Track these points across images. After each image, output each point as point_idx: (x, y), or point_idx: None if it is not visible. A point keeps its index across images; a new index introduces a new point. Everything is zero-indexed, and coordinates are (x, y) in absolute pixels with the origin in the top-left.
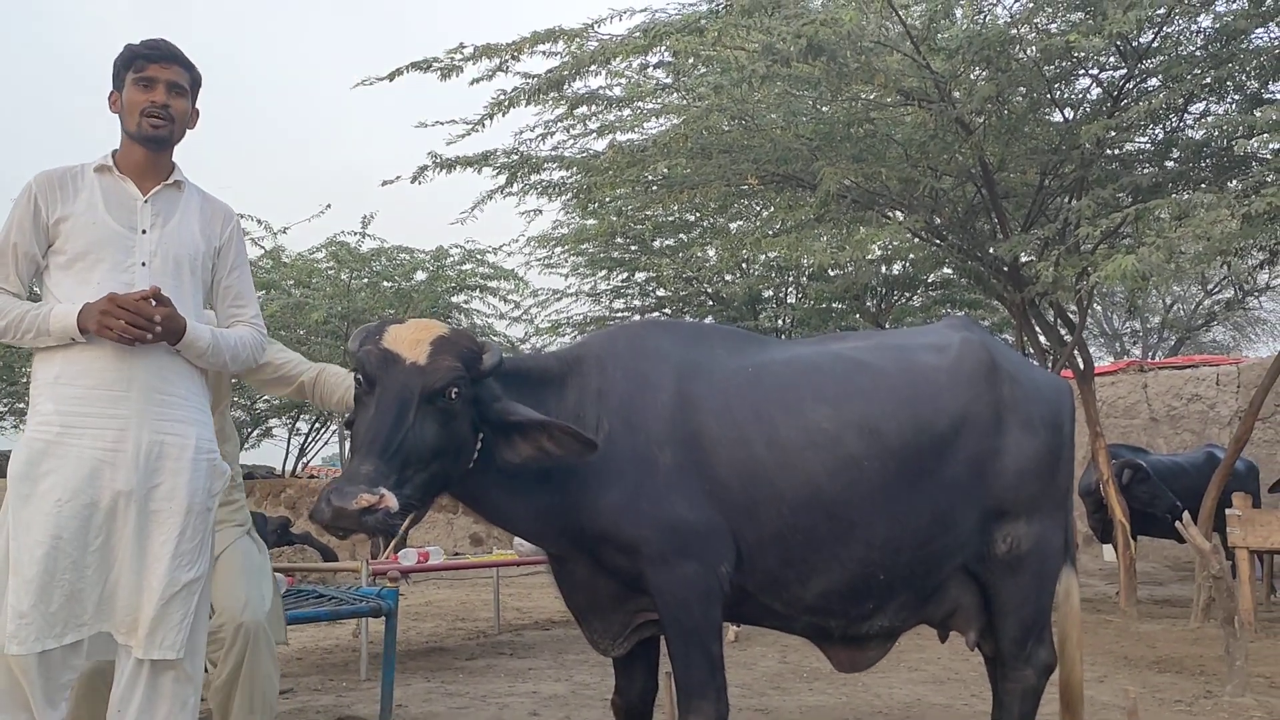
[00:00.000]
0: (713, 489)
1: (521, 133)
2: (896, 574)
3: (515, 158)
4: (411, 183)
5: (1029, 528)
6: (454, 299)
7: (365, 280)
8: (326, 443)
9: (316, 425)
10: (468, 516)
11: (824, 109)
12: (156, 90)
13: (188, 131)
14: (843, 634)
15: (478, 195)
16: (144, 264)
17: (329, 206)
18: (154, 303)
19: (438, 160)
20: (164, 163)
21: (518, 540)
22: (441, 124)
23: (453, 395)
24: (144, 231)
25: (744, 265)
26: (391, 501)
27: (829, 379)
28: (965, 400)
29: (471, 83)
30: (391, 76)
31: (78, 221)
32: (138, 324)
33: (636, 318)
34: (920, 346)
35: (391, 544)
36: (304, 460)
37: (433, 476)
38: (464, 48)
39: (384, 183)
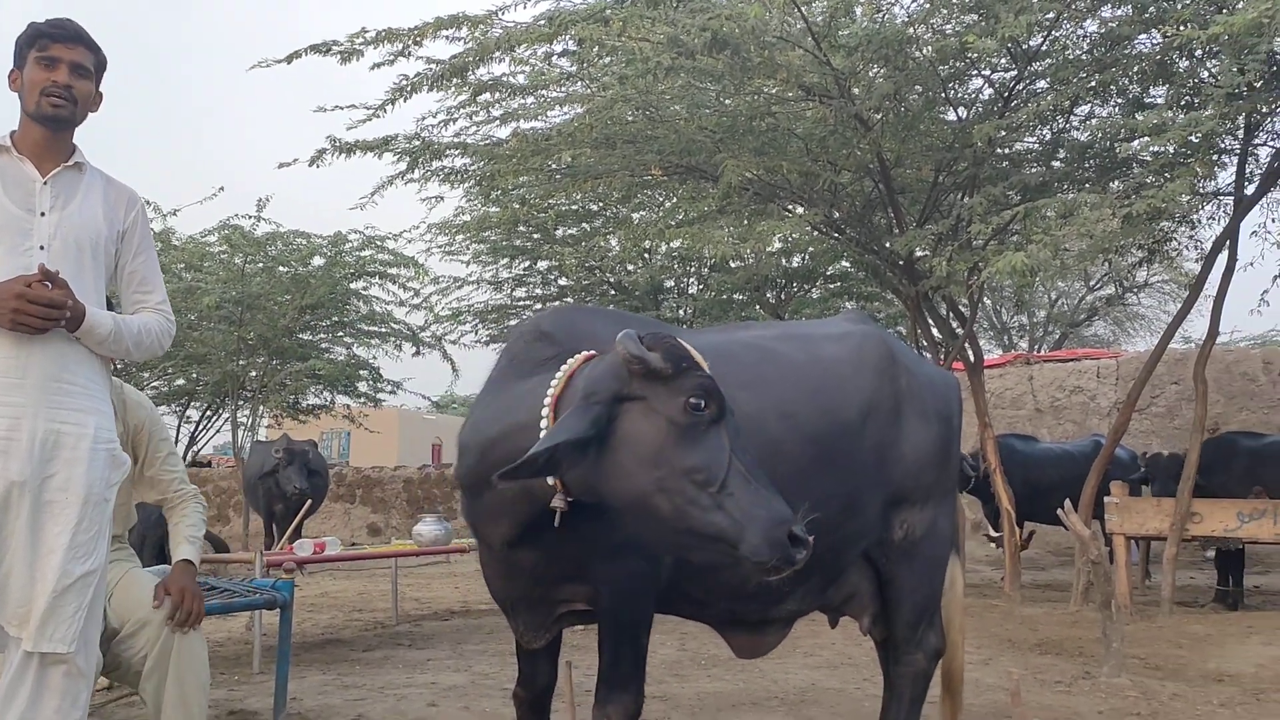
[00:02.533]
0: None
1: (424, 118)
2: (811, 559)
3: (417, 143)
4: (309, 166)
5: (923, 515)
6: (352, 285)
7: (260, 265)
8: (219, 430)
9: (208, 413)
10: (365, 506)
11: (727, 102)
12: (59, 70)
13: (90, 115)
14: (758, 618)
15: (378, 180)
16: (42, 247)
17: (222, 189)
18: (48, 285)
19: (337, 144)
20: (64, 144)
21: (417, 529)
22: (341, 108)
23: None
24: (43, 214)
25: (646, 255)
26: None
27: (744, 366)
28: (869, 390)
29: (372, 67)
30: (290, 59)
31: None
32: (50, 316)
33: (539, 306)
34: (823, 337)
35: (286, 534)
36: (194, 448)
37: None
38: (365, 31)
39: (280, 165)
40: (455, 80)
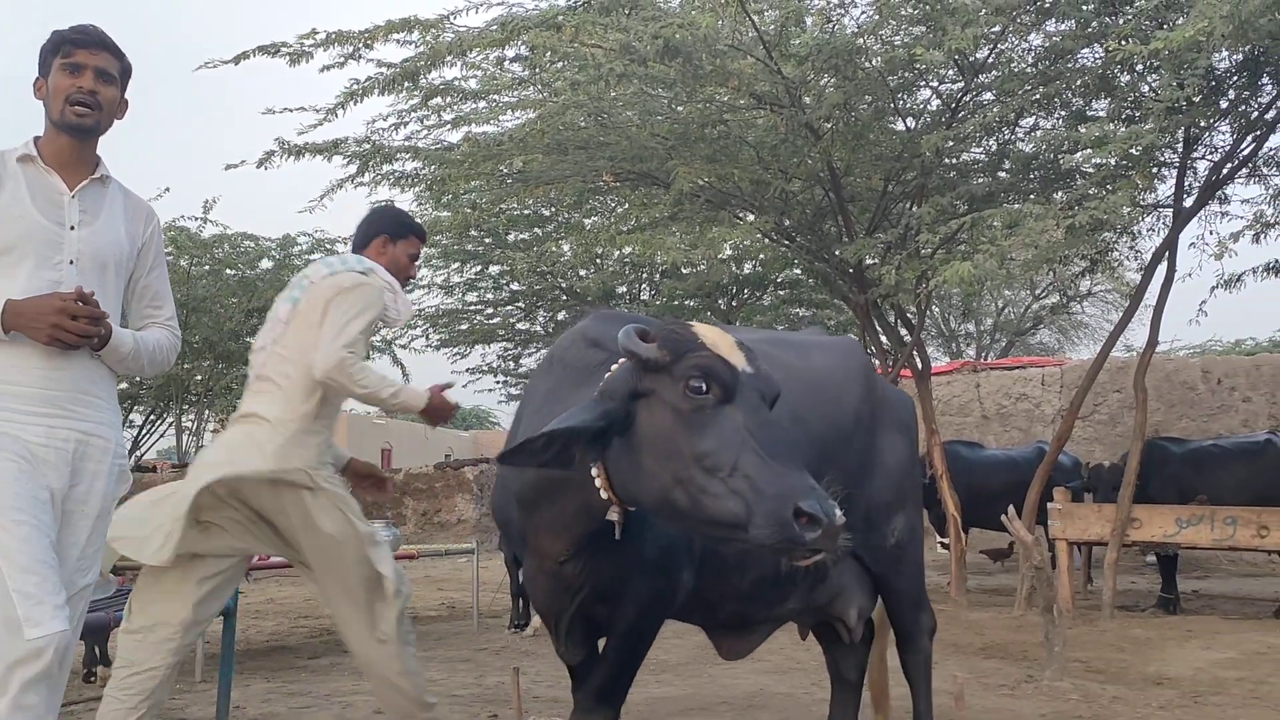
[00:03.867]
0: None
1: (374, 121)
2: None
3: (367, 147)
4: (257, 168)
5: (906, 519)
6: None
7: (206, 268)
8: (163, 435)
9: (151, 417)
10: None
11: (679, 109)
12: (84, 76)
13: (115, 122)
14: (762, 619)
15: (328, 183)
16: (72, 262)
17: (167, 189)
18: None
19: (285, 147)
20: (89, 154)
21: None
22: (291, 110)
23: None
24: (72, 228)
25: (598, 261)
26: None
27: None
28: (856, 398)
29: (322, 69)
30: (237, 60)
31: (3, 214)
32: (87, 334)
33: (490, 311)
34: (812, 345)
35: None
36: (138, 453)
37: None
38: (315, 33)
39: (228, 167)
40: (407, 84)
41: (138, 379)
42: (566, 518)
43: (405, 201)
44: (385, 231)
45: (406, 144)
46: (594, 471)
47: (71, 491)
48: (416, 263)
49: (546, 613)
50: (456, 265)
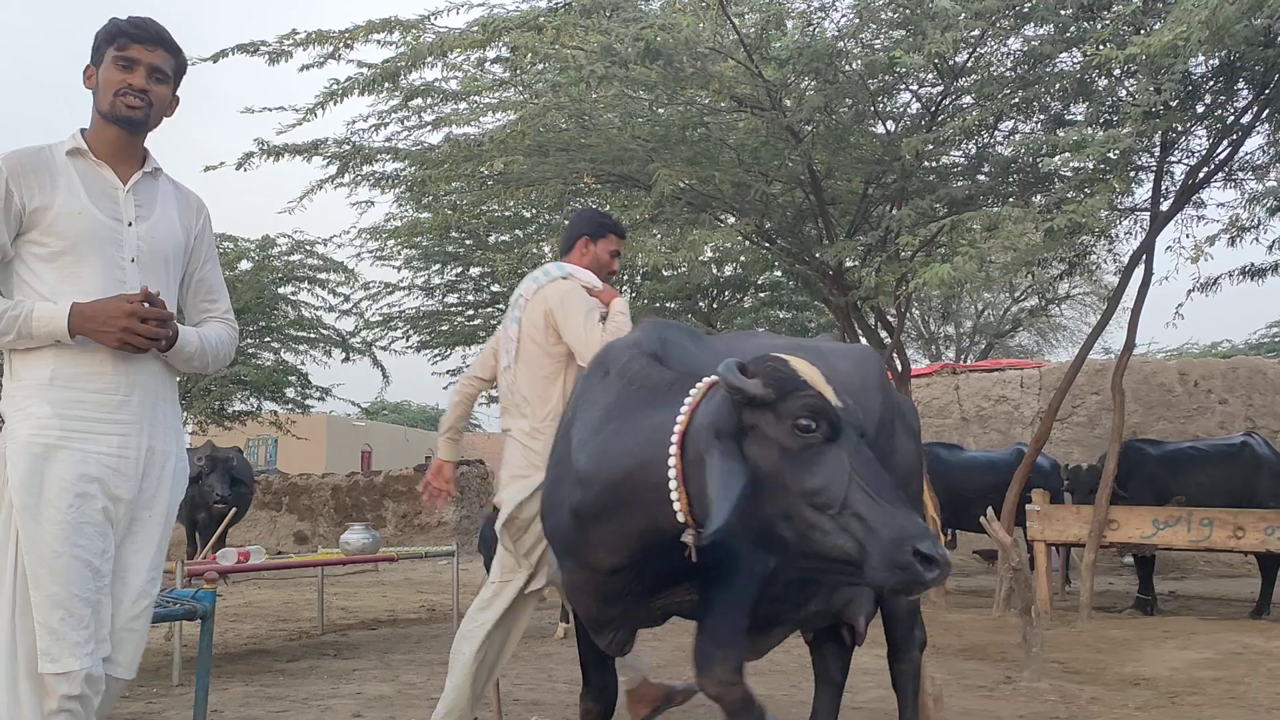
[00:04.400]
0: None
1: (354, 122)
2: None
3: (347, 148)
4: (237, 169)
5: None
6: (281, 290)
7: None
8: None
9: None
10: (292, 514)
11: (660, 111)
12: (136, 73)
13: (165, 120)
14: (788, 620)
15: (307, 184)
16: (134, 260)
17: None
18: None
19: (265, 147)
20: (138, 147)
21: (344, 538)
22: (270, 110)
23: None
24: (130, 224)
25: None
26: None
27: None
28: (878, 404)
29: (301, 69)
30: (216, 58)
31: (61, 212)
32: (157, 337)
33: (470, 313)
34: (829, 352)
35: (210, 543)
36: None
37: None
38: (295, 33)
39: (207, 168)
40: (387, 85)
41: None
42: (628, 535)
43: (385, 203)
44: (585, 233)
45: (387, 145)
46: (674, 495)
47: (138, 498)
48: (617, 258)
49: (598, 619)
50: (437, 267)
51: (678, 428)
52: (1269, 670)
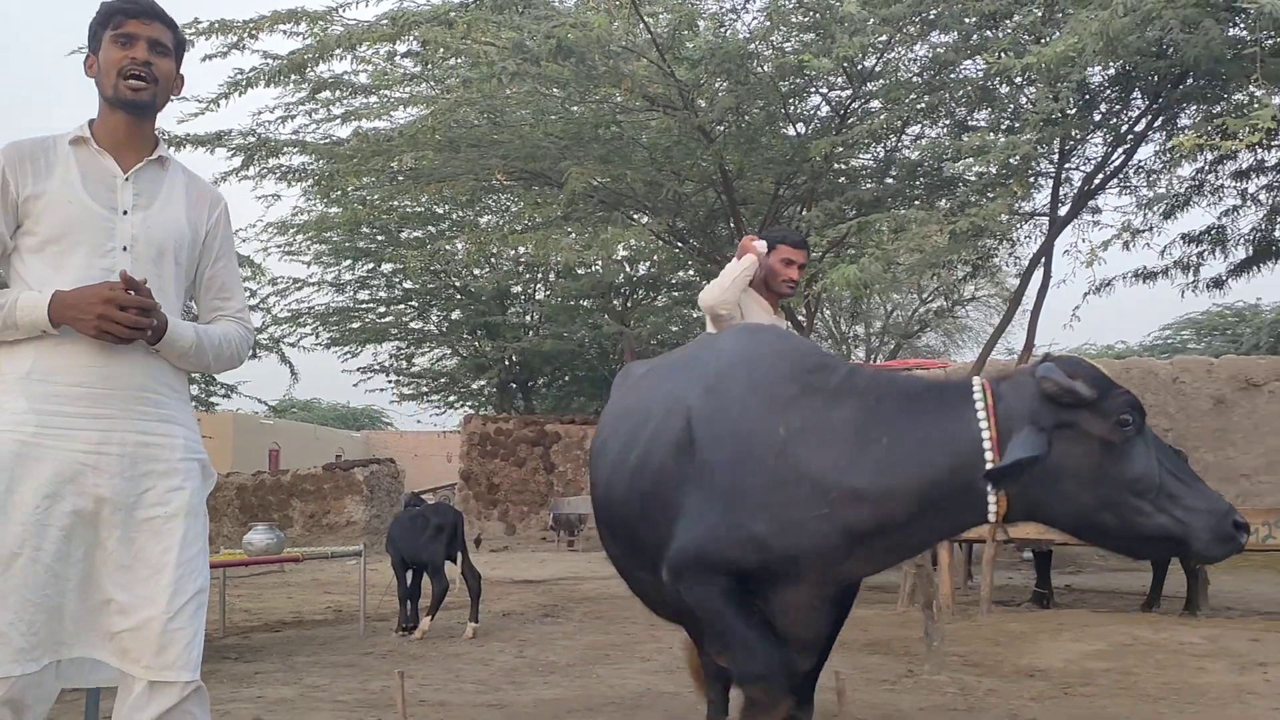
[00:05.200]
0: None
1: (260, 113)
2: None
3: (252, 140)
4: None
5: None
6: None
7: None
8: None
9: None
10: None
11: (573, 109)
12: (136, 47)
13: (171, 98)
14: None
15: (211, 177)
16: (125, 249)
17: None
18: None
19: (166, 138)
20: (146, 133)
21: (248, 538)
22: (173, 99)
23: None
24: (125, 213)
25: (492, 260)
26: None
27: None
28: None
29: (204, 59)
30: None
31: (51, 200)
32: (138, 326)
33: (383, 310)
34: None
35: None
36: None
37: None
38: (198, 22)
39: None
40: (294, 76)
41: None
42: (909, 543)
43: (292, 196)
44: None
45: (294, 138)
46: (991, 498)
47: (144, 498)
48: (790, 267)
49: (807, 640)
50: (348, 263)
51: (986, 431)
52: (1157, 661)
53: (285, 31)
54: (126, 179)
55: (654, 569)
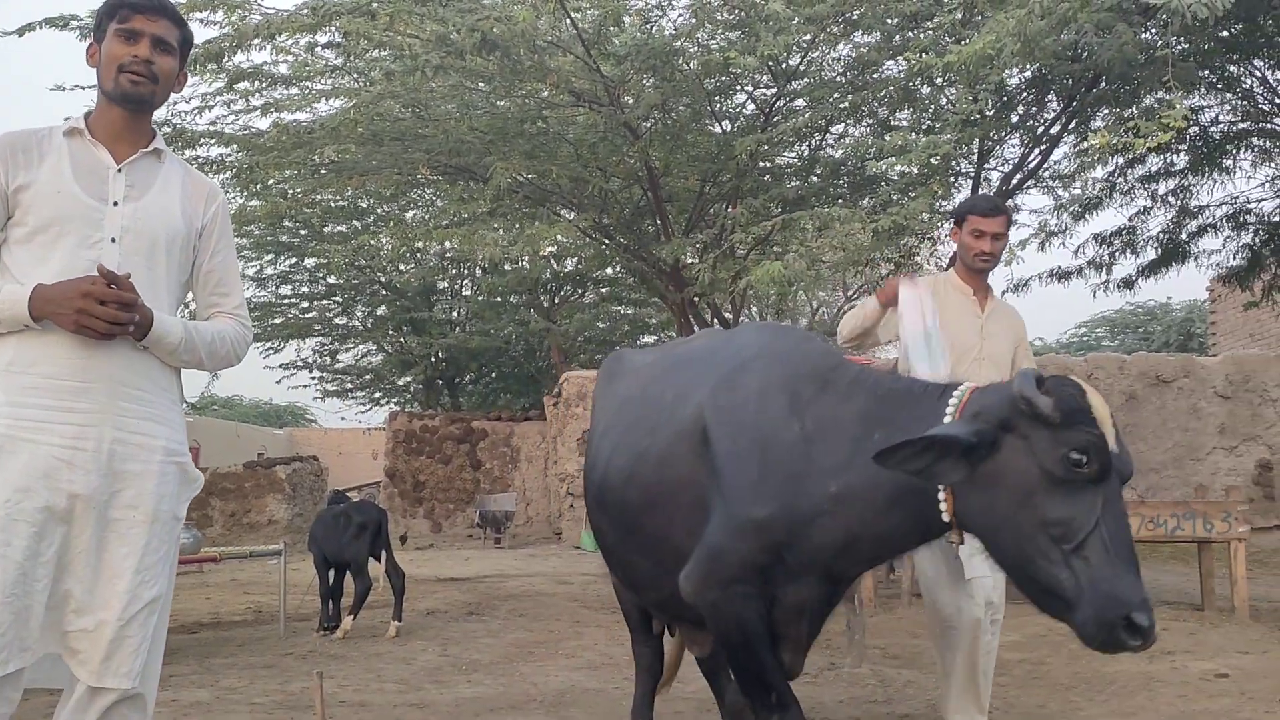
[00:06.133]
0: None
1: (175, 104)
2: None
3: (168, 130)
4: None
5: None
6: None
7: None
8: None
9: None
10: None
11: (499, 104)
12: (140, 44)
13: (172, 95)
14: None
15: None
16: (114, 240)
17: None
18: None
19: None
20: (143, 127)
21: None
22: (83, 88)
23: None
24: (115, 204)
25: (418, 255)
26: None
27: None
28: None
29: None
30: (21, 32)
31: (40, 190)
32: (118, 320)
33: (305, 305)
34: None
35: None
36: None
37: None
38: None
39: None
40: (210, 66)
41: None
42: (887, 543)
43: None
44: (953, 220)
45: (212, 129)
46: (940, 494)
47: (117, 497)
48: (983, 239)
49: (802, 640)
50: (270, 257)
51: (951, 413)
52: (1070, 651)
53: (201, 20)
54: (119, 170)
55: (652, 555)
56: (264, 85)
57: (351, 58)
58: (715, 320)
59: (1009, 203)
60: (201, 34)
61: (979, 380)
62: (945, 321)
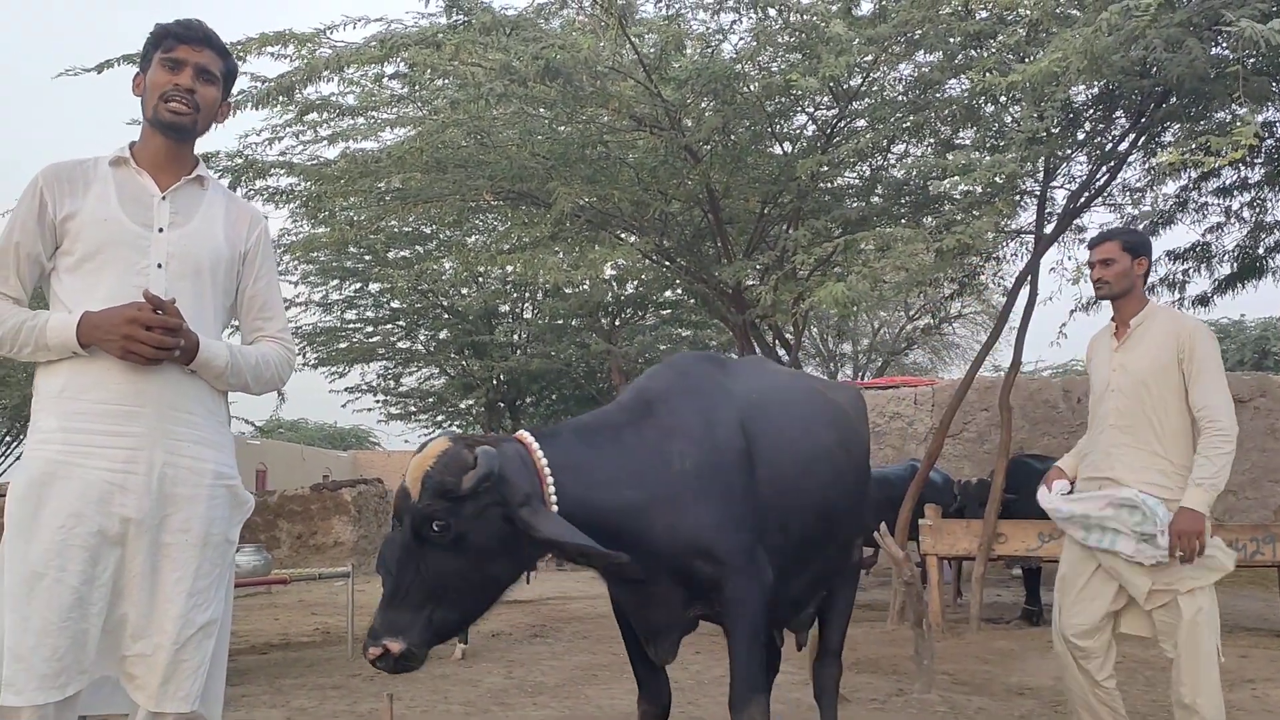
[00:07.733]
0: (763, 505)
1: (246, 135)
2: (824, 573)
3: (239, 161)
4: None
5: (860, 542)
6: None
7: None
8: (19, 456)
9: (7, 438)
10: None
11: (560, 129)
12: (183, 73)
13: (215, 126)
14: (789, 622)
15: None
16: (160, 265)
17: None
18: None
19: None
20: (185, 155)
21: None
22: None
23: (436, 529)
24: (161, 230)
25: (480, 279)
26: (396, 649)
27: (813, 407)
28: (865, 436)
29: None
30: (100, 68)
31: (87, 218)
32: (164, 345)
33: (370, 330)
34: (826, 386)
35: None
36: None
37: (459, 604)
38: None
39: None
40: (282, 98)
41: None
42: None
43: (280, 218)
44: None
45: (281, 159)
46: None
47: (168, 521)
48: (1093, 269)
49: (645, 630)
50: (335, 282)
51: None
52: (1146, 679)
53: (273, 54)
54: (163, 197)
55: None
56: (332, 116)
57: (417, 87)
58: (776, 341)
59: (1077, 220)
60: (273, 69)
61: (1105, 414)
62: (1093, 367)
